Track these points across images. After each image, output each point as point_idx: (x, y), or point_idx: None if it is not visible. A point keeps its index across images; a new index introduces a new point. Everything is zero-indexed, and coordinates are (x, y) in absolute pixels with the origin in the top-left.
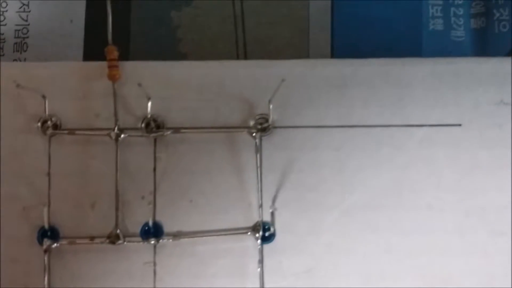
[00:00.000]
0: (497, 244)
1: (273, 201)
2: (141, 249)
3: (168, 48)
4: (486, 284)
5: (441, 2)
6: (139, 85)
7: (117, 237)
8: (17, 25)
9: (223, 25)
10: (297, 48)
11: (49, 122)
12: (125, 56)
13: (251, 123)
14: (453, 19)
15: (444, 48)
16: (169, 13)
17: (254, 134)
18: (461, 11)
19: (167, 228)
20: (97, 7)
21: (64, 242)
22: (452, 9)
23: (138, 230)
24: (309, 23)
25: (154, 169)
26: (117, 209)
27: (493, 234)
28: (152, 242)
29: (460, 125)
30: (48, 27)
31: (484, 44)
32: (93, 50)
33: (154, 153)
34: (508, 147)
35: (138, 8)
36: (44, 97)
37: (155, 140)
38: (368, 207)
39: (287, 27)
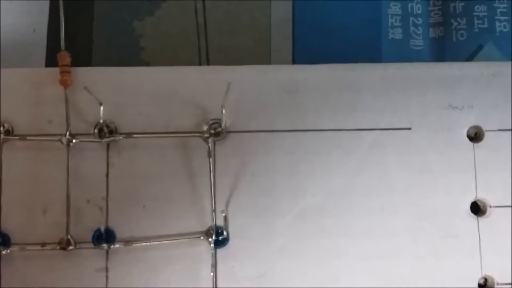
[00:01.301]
0: (448, 246)
1: (226, 205)
2: (93, 256)
3: (131, 57)
4: (439, 286)
5: (400, 12)
6: (85, 89)
7: (68, 243)
8: None
9: (186, 34)
10: (259, 56)
11: (1, 128)
12: (88, 64)
13: (205, 128)
14: (412, 28)
15: (403, 56)
16: (132, 22)
17: (207, 139)
18: (420, 21)
19: (119, 234)
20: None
21: (15, 248)
22: (411, 18)
23: (90, 236)
24: (270, 32)
25: (107, 175)
26: (68, 214)
27: (444, 236)
28: (104, 247)
29: (410, 128)
30: (11, 36)
31: (443, 53)
32: (55, 59)
33: (107, 158)
34: (456, 149)
35: (101, 17)
36: None
37: (108, 146)
38: (320, 211)
39: (249, 36)
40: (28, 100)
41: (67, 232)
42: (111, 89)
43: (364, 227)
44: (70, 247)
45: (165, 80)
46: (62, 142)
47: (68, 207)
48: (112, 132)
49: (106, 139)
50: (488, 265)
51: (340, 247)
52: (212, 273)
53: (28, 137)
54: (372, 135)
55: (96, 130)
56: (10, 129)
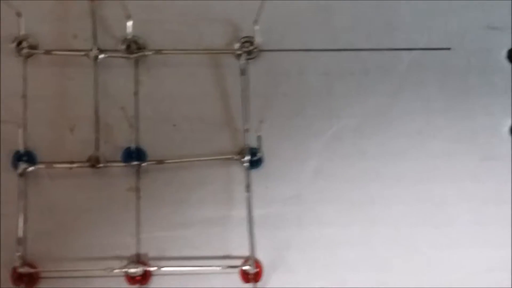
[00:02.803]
0: (487, 168)
1: (259, 126)
2: (124, 174)
3: None
4: (477, 209)
5: None
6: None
7: (98, 160)
8: None
9: None
10: None
11: (24, 43)
12: None
13: (236, 46)
14: None
15: None
16: None
17: (239, 56)
18: None
19: (150, 153)
20: None
21: (41, 166)
22: None
23: (119, 154)
24: None
25: (136, 93)
26: (97, 131)
27: (483, 158)
28: (135, 165)
29: (449, 49)
30: None
31: None
32: None
33: (136, 76)
34: (496, 72)
35: None
36: (19, 14)
37: (136, 62)
38: (356, 133)
39: None
40: (53, 14)
41: (97, 149)
42: (139, 4)
43: (402, 149)
44: (100, 165)
45: None
46: (88, 57)
47: (97, 123)
48: (140, 49)
49: (135, 55)
50: None
51: (377, 169)
52: (246, 194)
53: (53, 52)
54: (410, 55)
55: (123, 46)
56: (34, 44)
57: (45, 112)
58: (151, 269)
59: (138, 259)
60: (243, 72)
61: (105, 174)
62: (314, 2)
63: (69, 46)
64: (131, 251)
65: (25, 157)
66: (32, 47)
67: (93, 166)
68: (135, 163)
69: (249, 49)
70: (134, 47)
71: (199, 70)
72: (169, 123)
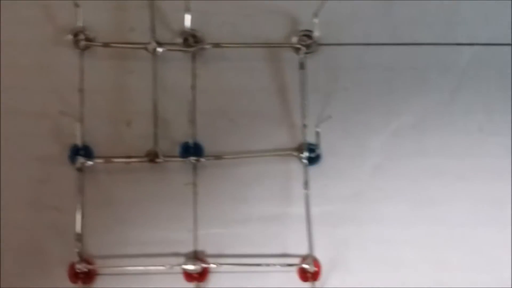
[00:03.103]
0: None
1: (318, 121)
2: (181, 169)
3: None
4: None
5: None
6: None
7: (156, 155)
8: None
9: None
10: None
11: (81, 35)
12: None
13: (294, 39)
14: None
15: None
16: None
17: (299, 50)
18: None
19: (207, 148)
20: None
21: (99, 160)
22: None
23: (176, 150)
24: None
25: (193, 87)
26: (155, 125)
27: None
28: (192, 161)
29: (510, 44)
30: None
31: None
32: None
33: (193, 69)
34: None
35: None
36: (77, 5)
37: (193, 56)
38: (417, 129)
39: None
40: (110, 6)
41: (155, 144)
42: None
43: (462, 147)
44: (159, 159)
45: None
46: (148, 50)
47: (155, 117)
48: (198, 42)
49: (194, 48)
50: None
51: (437, 166)
52: (305, 191)
53: (112, 44)
54: (471, 50)
55: (181, 39)
56: (91, 36)
57: (102, 105)
58: (211, 265)
59: (196, 256)
60: (302, 66)
61: (162, 169)
62: None
63: (125, 39)
64: (188, 248)
65: (82, 151)
66: (89, 39)
67: (151, 161)
68: (193, 158)
69: (308, 43)
70: (191, 40)
71: (257, 64)
72: (226, 118)
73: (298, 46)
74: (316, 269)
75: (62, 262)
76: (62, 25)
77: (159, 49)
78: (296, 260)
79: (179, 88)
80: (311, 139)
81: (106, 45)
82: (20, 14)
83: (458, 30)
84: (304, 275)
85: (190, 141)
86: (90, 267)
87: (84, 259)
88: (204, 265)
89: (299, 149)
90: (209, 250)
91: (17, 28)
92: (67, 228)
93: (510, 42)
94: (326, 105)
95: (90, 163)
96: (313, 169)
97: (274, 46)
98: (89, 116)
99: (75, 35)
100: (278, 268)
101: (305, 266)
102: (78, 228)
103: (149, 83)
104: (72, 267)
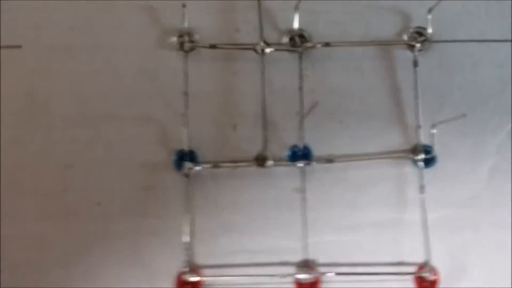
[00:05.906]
0: None
1: (432, 122)
2: (288, 174)
3: None
4: None
5: None
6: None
7: (265, 159)
8: None
9: None
10: None
11: (185, 36)
12: None
13: (405, 37)
14: None
15: None
16: None
17: (411, 48)
18: None
19: (316, 151)
20: None
21: (207, 165)
22: None
23: (284, 153)
24: None
25: (300, 88)
26: (264, 128)
27: None
28: (302, 165)
29: None
30: None
31: None
32: None
33: (300, 70)
34: None
35: None
36: (184, 5)
37: (300, 56)
38: None
39: None
40: (215, 7)
41: (264, 148)
42: None
43: None
44: (268, 163)
45: None
46: (255, 51)
47: (264, 120)
48: (305, 42)
49: (303, 47)
50: None
51: None
52: (421, 195)
53: (219, 46)
54: None
55: (287, 39)
56: (195, 37)
57: (207, 109)
58: (328, 274)
59: (307, 265)
60: (415, 63)
61: (269, 174)
62: None
63: (231, 40)
64: (297, 256)
65: (188, 156)
66: (192, 41)
67: (260, 165)
68: (303, 162)
69: (422, 40)
70: (298, 40)
71: (366, 63)
72: (335, 120)
73: (413, 43)
74: (435, 277)
75: (168, 272)
76: (166, 28)
77: (267, 50)
78: (412, 269)
79: (286, 89)
80: (425, 140)
81: (213, 46)
82: (123, 18)
83: None
84: (421, 284)
85: (300, 144)
86: (199, 278)
87: (193, 269)
88: (318, 275)
89: (414, 151)
90: (320, 258)
91: (120, 31)
92: (172, 237)
93: None
94: (441, 105)
95: (197, 168)
96: (428, 172)
97: (387, 44)
98: (194, 120)
99: (180, 37)
100: (394, 277)
101: (424, 274)
102: (186, 236)
103: (254, 84)
104: (180, 277)
